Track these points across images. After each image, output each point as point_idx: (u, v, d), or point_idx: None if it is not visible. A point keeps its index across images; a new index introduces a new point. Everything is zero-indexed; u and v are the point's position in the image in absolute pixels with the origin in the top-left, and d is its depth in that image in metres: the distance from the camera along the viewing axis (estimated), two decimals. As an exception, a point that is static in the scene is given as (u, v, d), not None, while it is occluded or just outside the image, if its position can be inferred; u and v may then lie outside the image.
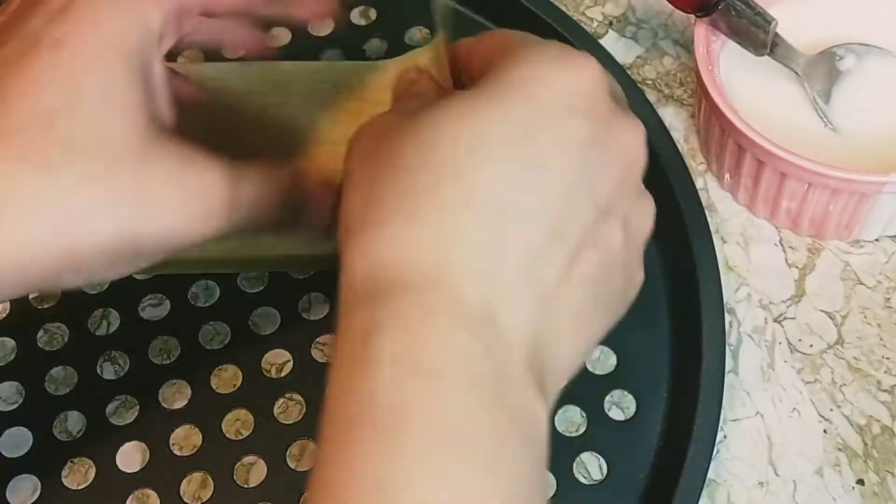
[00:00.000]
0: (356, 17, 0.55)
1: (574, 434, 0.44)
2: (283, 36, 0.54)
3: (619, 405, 0.44)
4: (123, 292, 0.47)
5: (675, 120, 0.52)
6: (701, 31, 0.48)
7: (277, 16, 0.40)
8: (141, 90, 0.31)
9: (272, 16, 0.39)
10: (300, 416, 0.44)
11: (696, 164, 0.51)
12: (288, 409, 0.44)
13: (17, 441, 0.44)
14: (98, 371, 0.45)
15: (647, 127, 0.48)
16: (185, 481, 0.42)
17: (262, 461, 0.43)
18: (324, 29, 0.54)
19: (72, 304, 0.47)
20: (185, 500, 0.42)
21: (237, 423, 0.44)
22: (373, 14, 0.55)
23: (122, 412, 0.44)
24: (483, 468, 0.25)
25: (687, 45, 0.54)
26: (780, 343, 0.46)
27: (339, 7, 0.43)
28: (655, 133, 0.49)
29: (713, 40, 0.48)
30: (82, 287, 0.47)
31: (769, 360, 0.45)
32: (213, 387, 0.45)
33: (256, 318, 0.46)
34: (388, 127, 0.31)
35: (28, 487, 0.43)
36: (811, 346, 0.46)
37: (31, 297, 0.47)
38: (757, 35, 0.47)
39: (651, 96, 0.51)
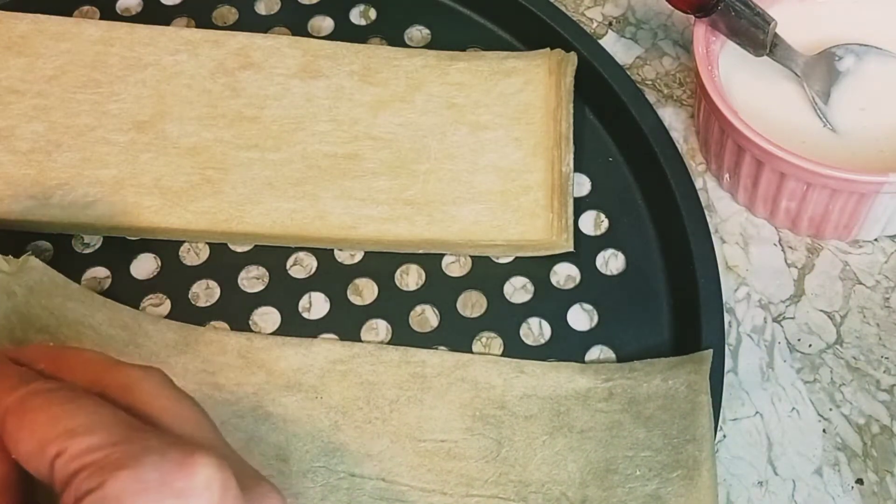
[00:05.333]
0: (356, 16, 0.55)
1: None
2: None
3: (619, 405, 0.44)
4: (124, 292, 0.47)
5: (674, 120, 0.52)
6: (700, 32, 0.48)
7: None
8: None
9: None
10: (301, 416, 0.44)
11: (696, 165, 0.51)
12: (288, 409, 0.44)
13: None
14: (99, 371, 0.45)
15: (646, 127, 0.49)
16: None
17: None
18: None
19: (72, 304, 0.47)
20: None
21: (238, 423, 0.44)
22: (373, 14, 0.56)
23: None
24: None
25: (686, 46, 0.54)
26: (779, 343, 0.46)
27: None
28: (655, 133, 0.49)
29: (712, 41, 0.48)
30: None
31: (768, 360, 0.45)
32: (214, 386, 0.45)
33: (257, 317, 0.46)
34: None
35: None
36: (810, 345, 0.46)
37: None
38: (756, 35, 0.47)
39: (651, 97, 0.51)
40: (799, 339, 0.46)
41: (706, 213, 0.47)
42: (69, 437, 0.27)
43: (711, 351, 0.43)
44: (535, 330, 0.46)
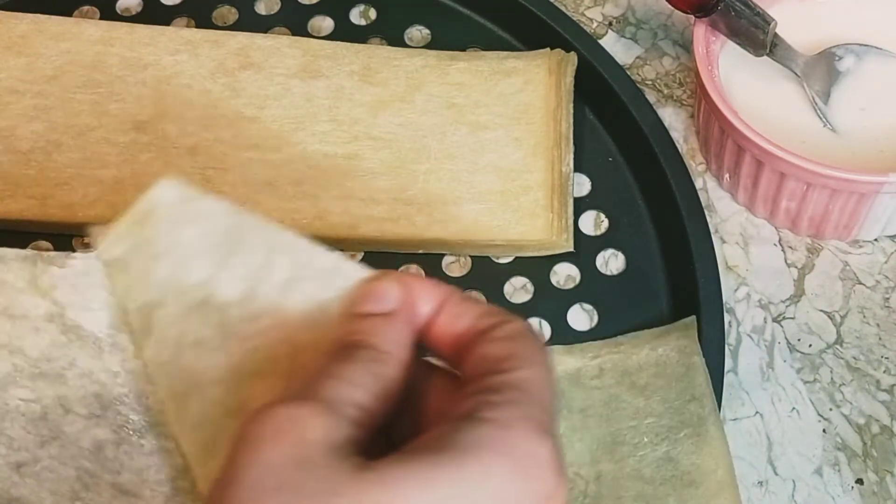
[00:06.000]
0: (356, 16, 0.55)
1: (574, 433, 0.44)
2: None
3: (619, 405, 0.44)
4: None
5: (674, 120, 0.52)
6: (700, 32, 0.48)
7: None
8: None
9: None
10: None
11: (696, 165, 0.51)
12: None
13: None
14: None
15: (646, 127, 0.49)
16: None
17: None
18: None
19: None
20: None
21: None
22: (373, 14, 0.56)
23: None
24: None
25: (686, 46, 0.54)
26: (779, 343, 0.46)
27: None
28: (655, 133, 0.49)
29: (712, 41, 0.48)
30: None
31: (768, 360, 0.45)
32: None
33: (257, 317, 0.46)
34: (302, 461, 0.25)
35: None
36: (810, 345, 0.46)
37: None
38: (756, 35, 0.47)
39: (651, 97, 0.51)
40: (799, 339, 0.46)
41: (706, 213, 0.47)
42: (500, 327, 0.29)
43: (695, 317, 0.43)
44: (535, 330, 0.46)
